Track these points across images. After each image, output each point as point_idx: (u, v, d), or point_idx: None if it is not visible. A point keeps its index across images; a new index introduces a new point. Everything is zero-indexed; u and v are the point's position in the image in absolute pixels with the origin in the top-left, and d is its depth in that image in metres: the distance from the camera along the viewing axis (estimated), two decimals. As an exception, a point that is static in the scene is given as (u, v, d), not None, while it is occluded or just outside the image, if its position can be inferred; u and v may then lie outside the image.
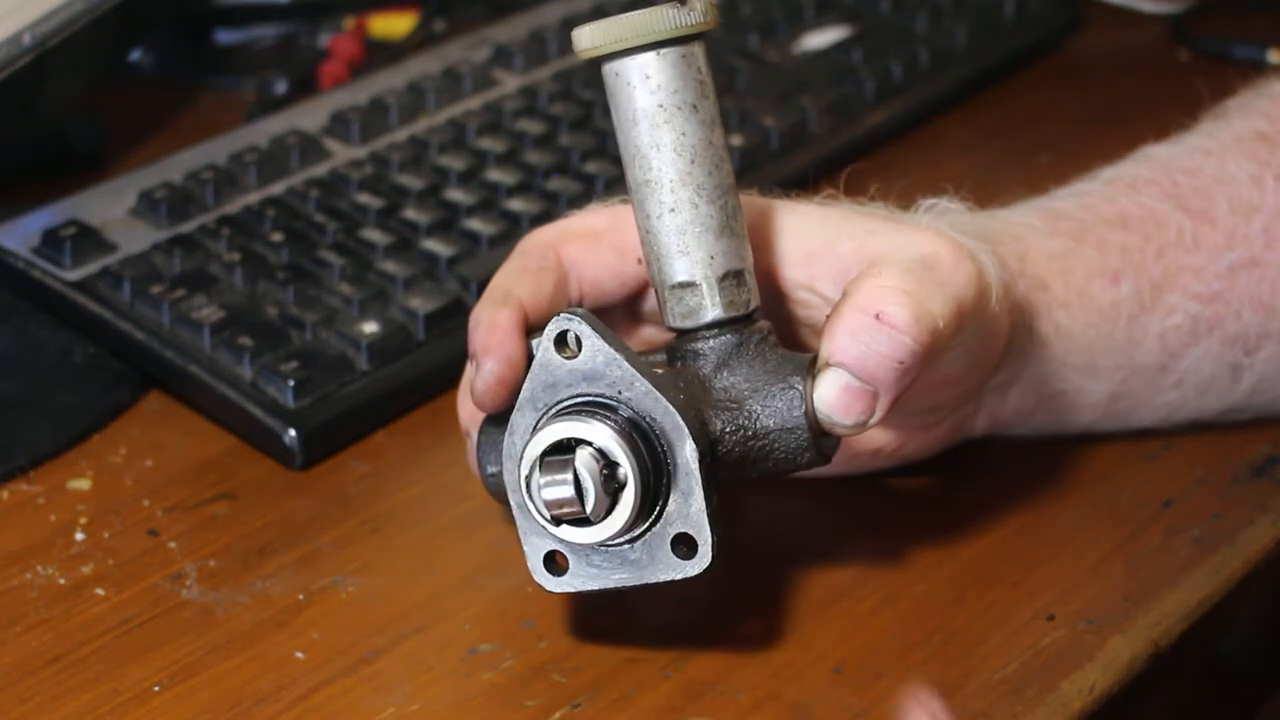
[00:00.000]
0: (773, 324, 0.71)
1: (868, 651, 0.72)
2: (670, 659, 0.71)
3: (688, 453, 0.66)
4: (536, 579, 0.68)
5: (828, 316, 0.69)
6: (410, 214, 0.96)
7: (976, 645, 0.72)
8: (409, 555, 0.78)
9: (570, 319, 0.66)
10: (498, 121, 1.05)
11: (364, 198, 0.97)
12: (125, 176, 0.98)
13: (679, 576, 0.67)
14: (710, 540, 0.66)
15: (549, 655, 0.72)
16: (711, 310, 0.69)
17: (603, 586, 0.68)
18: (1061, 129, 1.12)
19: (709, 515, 0.66)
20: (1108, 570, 0.76)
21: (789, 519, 0.80)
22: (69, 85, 1.01)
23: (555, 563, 0.68)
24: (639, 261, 0.73)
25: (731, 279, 0.69)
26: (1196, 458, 0.82)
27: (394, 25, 1.25)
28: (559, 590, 0.68)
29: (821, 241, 0.73)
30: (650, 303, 0.76)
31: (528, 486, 0.66)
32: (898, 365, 0.67)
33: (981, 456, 0.82)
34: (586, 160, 1.02)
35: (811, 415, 0.68)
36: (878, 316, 0.67)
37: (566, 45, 1.13)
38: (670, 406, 0.65)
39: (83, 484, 0.83)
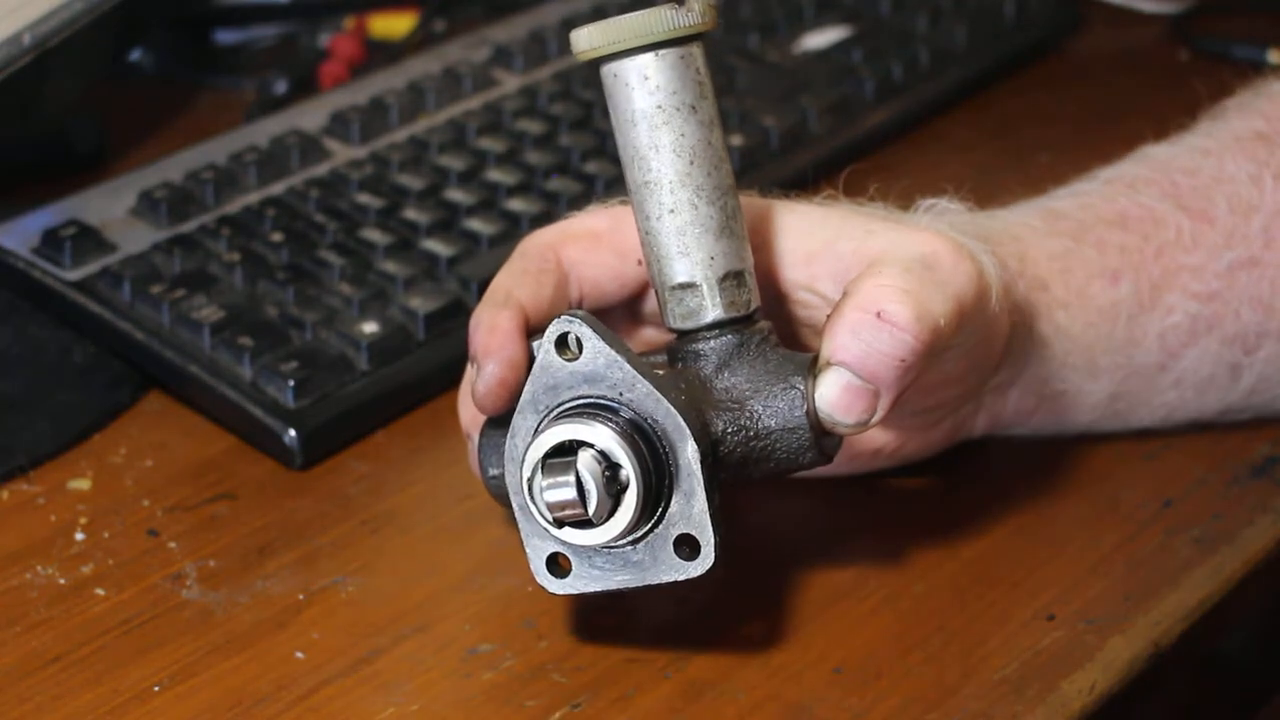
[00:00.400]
0: (773, 325, 0.71)
1: (868, 651, 0.72)
2: (670, 659, 0.71)
3: (689, 453, 0.66)
4: (539, 581, 0.68)
5: (828, 316, 0.69)
6: (410, 214, 0.96)
7: (976, 645, 0.72)
8: (409, 555, 0.78)
9: (571, 321, 0.66)
10: (498, 121, 1.05)
11: (364, 198, 0.97)
12: (125, 176, 0.98)
13: (682, 577, 0.67)
14: (713, 541, 0.66)
15: (549, 655, 0.72)
16: (712, 311, 0.69)
17: (605, 588, 0.68)
18: (1061, 129, 1.12)
19: (711, 516, 0.66)
20: (1108, 570, 0.76)
21: (789, 519, 0.80)
22: (69, 85, 1.01)
23: (558, 565, 0.68)
24: (639, 263, 0.73)
25: (732, 279, 0.69)
26: (1196, 458, 0.82)
27: (394, 25, 1.25)
28: (562, 592, 0.68)
29: (821, 242, 0.73)
30: (650, 304, 0.76)
31: (530, 489, 0.66)
32: (899, 364, 0.67)
33: (981, 456, 0.82)
34: (586, 160, 1.02)
35: (813, 415, 0.68)
36: (879, 315, 0.67)
37: (566, 45, 1.12)
38: (671, 407, 0.65)
39: (83, 484, 0.83)
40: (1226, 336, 0.80)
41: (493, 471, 0.71)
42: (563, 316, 0.66)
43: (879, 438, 0.77)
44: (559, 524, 0.66)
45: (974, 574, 0.76)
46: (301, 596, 0.76)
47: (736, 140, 1.04)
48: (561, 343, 0.66)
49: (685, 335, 0.70)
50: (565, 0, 1.18)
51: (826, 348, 0.68)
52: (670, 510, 0.66)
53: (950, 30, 1.17)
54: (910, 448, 0.78)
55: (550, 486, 0.65)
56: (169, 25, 1.21)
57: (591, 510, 0.65)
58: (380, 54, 1.21)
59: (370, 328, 0.88)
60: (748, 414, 0.68)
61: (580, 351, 0.66)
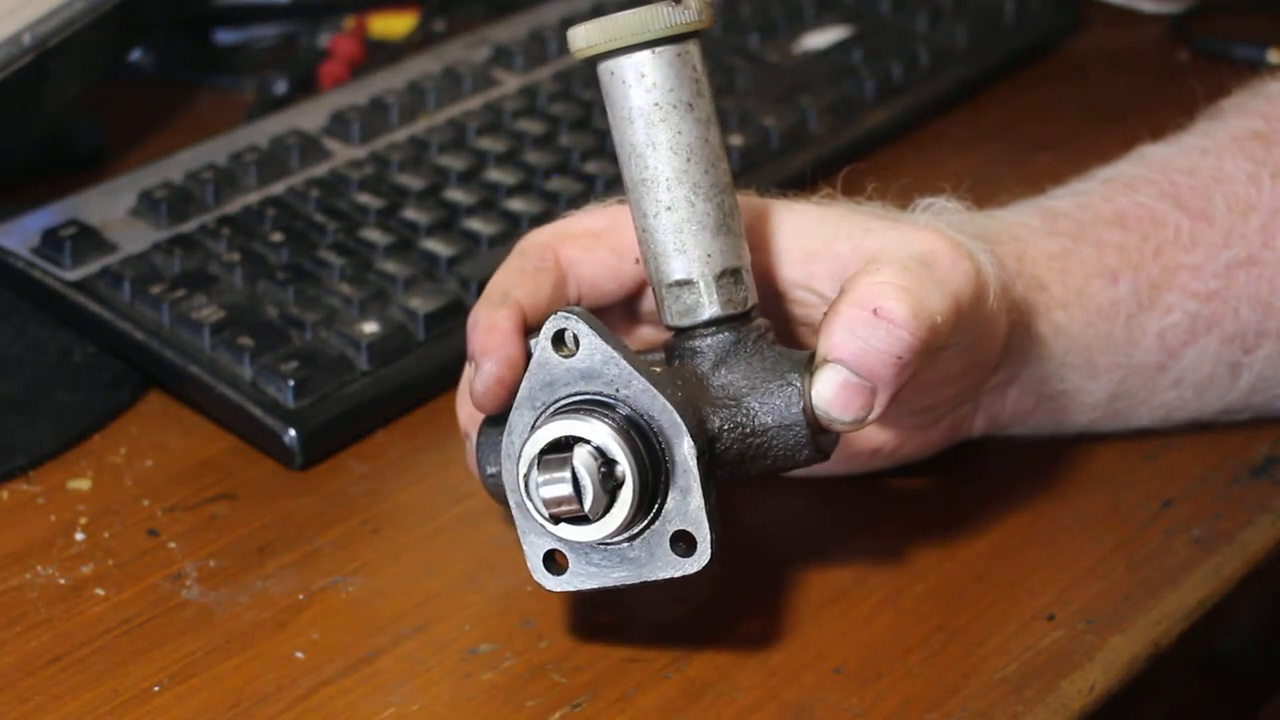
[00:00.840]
0: (770, 323, 0.71)
1: (868, 651, 0.72)
2: (670, 659, 0.71)
3: (686, 450, 0.66)
4: (536, 578, 0.68)
5: (825, 313, 0.68)
6: (410, 214, 0.96)
7: (976, 645, 0.72)
8: (409, 555, 0.78)
9: (568, 317, 0.66)
10: (498, 121, 1.05)
11: (364, 198, 0.97)
12: (125, 176, 0.98)
13: (678, 574, 0.67)
14: (709, 537, 0.66)
15: (549, 655, 0.72)
16: (709, 308, 0.69)
17: (602, 585, 0.68)
18: (1061, 129, 1.12)
19: (708, 512, 0.66)
20: (1108, 570, 0.76)
21: (789, 519, 0.80)
22: (69, 85, 1.01)
23: (555, 561, 0.68)
24: (636, 261, 0.73)
25: (729, 277, 0.69)
26: (1196, 458, 0.82)
27: (394, 25, 1.25)
28: (559, 589, 0.68)
29: (819, 241, 0.73)
30: (648, 303, 0.76)
31: (526, 485, 0.66)
32: (896, 360, 0.67)
33: (981, 456, 0.82)
34: (586, 160, 1.02)
35: (810, 412, 0.68)
36: (875, 312, 0.67)
37: (566, 45, 1.13)
38: (668, 404, 0.65)
39: (83, 484, 0.83)
40: (1226, 336, 0.80)
41: (490, 470, 0.71)
42: (559, 313, 0.66)
43: (877, 437, 0.77)
44: (555, 520, 0.66)
45: (974, 574, 0.76)
46: (301, 596, 0.76)
47: (736, 140, 1.04)
48: (558, 339, 0.66)
49: (682, 332, 0.70)
50: (565, 0, 1.18)
51: (823, 345, 0.68)
52: (667, 507, 0.66)
53: (950, 30, 1.17)
54: (909, 447, 0.78)
55: (546, 483, 0.65)
56: (169, 25, 1.21)
57: (588, 506, 0.65)
58: (380, 54, 1.21)
59: (370, 328, 0.88)
60: (744, 411, 0.68)
61: (577, 348, 0.66)
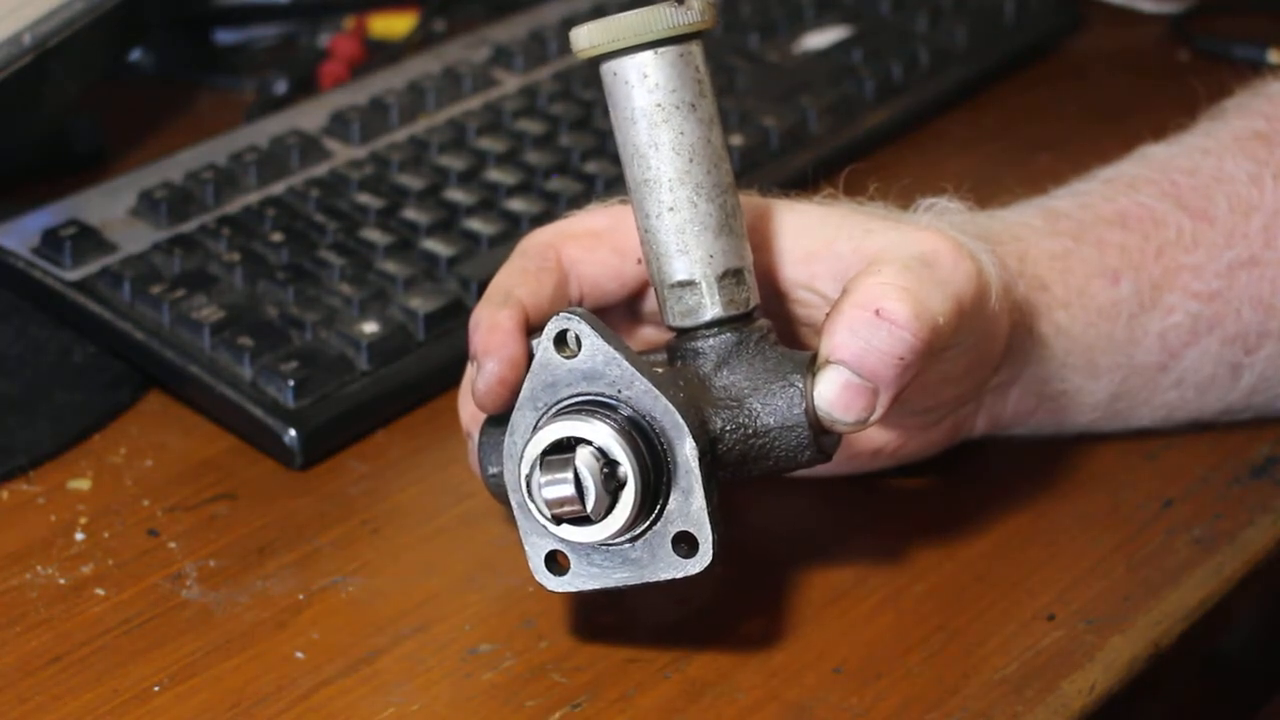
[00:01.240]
0: (772, 323, 0.71)
1: (868, 651, 0.72)
2: (670, 659, 0.71)
3: (688, 451, 0.66)
4: (538, 578, 0.68)
5: (827, 314, 0.68)
6: (410, 214, 0.96)
7: (976, 645, 0.72)
8: (409, 555, 0.78)
9: (569, 318, 0.66)
10: (498, 121, 1.05)
11: (364, 198, 0.97)
12: (125, 176, 0.98)
13: (680, 575, 0.67)
14: (711, 538, 0.66)
15: (549, 655, 0.72)
16: (711, 309, 0.69)
17: (604, 586, 0.68)
18: (1061, 128, 1.12)
19: (709, 513, 0.66)
20: (1108, 570, 0.76)
21: (789, 519, 0.80)
22: (69, 85, 1.01)
23: (556, 562, 0.68)
24: (639, 261, 0.73)
25: (731, 277, 0.69)
26: (1196, 458, 0.82)
27: (394, 25, 1.25)
28: (560, 590, 0.68)
29: (821, 241, 0.73)
30: (650, 303, 0.76)
31: (528, 486, 0.66)
32: (898, 361, 0.67)
33: (981, 456, 0.82)
34: (586, 160, 1.02)
35: (812, 413, 0.68)
36: (877, 312, 0.67)
37: (566, 45, 1.13)
38: (670, 405, 0.65)
39: (83, 484, 0.83)
40: (1227, 336, 0.80)
41: (492, 470, 0.71)
42: (561, 314, 0.66)
43: (879, 438, 0.77)
44: (557, 521, 0.66)
45: (974, 574, 0.76)
46: (301, 596, 0.76)
47: (736, 140, 1.04)
48: (560, 340, 0.66)
49: (684, 333, 0.70)
50: (565, 0, 1.18)
51: (825, 345, 0.68)
52: (668, 508, 0.66)
53: (950, 30, 1.17)
54: (910, 448, 0.78)
55: (548, 483, 0.65)
56: (169, 25, 1.21)
57: (590, 507, 0.65)
58: (380, 54, 1.21)
59: (370, 328, 0.88)
60: (746, 412, 0.68)
61: (579, 349, 0.66)
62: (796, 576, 0.76)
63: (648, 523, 0.66)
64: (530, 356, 0.68)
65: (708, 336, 0.69)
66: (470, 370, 0.71)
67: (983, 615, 0.74)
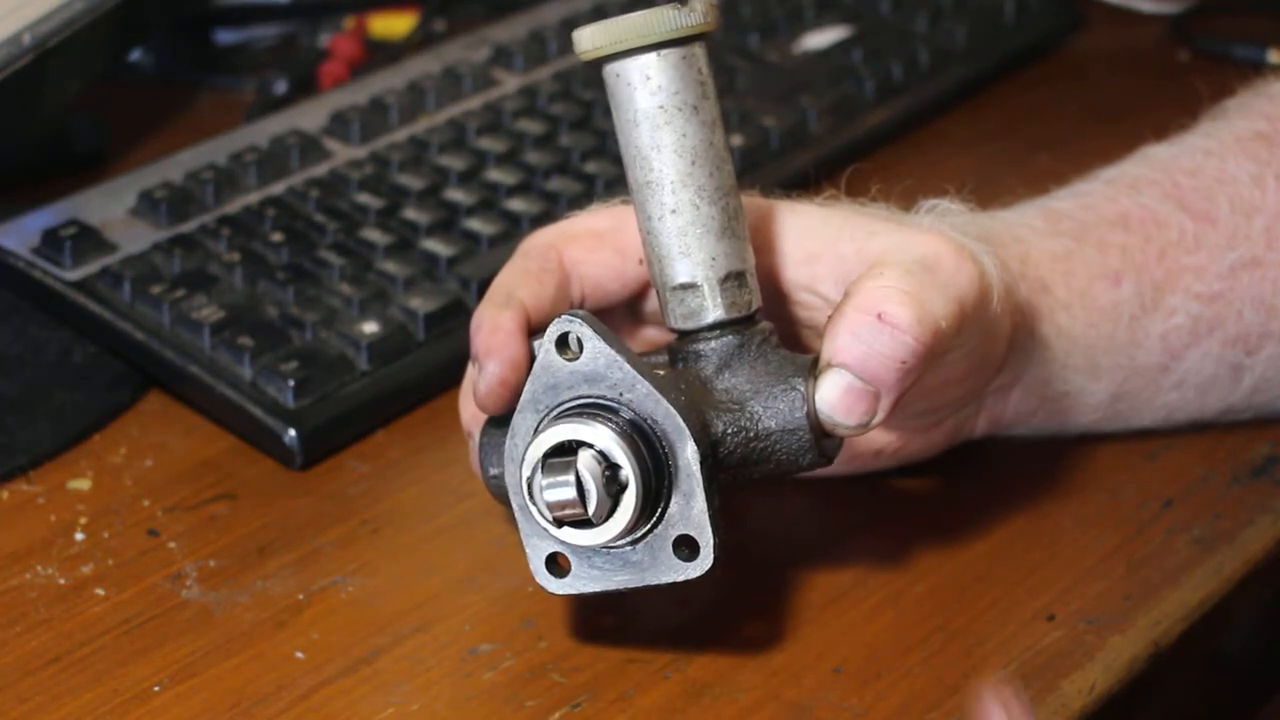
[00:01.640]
0: (774, 325, 0.70)
1: (868, 651, 0.72)
2: (670, 659, 0.71)
3: (689, 454, 0.66)
4: (539, 581, 0.68)
5: (829, 317, 0.68)
6: (410, 214, 0.96)
7: (976, 645, 0.72)
8: (409, 555, 0.78)
9: (572, 321, 0.66)
10: (498, 121, 1.05)
11: (364, 198, 0.97)
12: (125, 176, 0.98)
13: (681, 578, 0.67)
14: (712, 541, 0.66)
15: (549, 655, 0.72)
16: (713, 311, 0.69)
17: (605, 588, 0.68)
18: (1061, 128, 1.12)
19: (710, 517, 0.66)
20: (1108, 570, 0.76)
21: (789, 519, 0.80)
22: (69, 85, 1.01)
23: (557, 564, 0.68)
24: (640, 262, 0.73)
25: (733, 280, 0.69)
26: (1196, 458, 0.82)
27: (394, 25, 1.25)
28: (561, 592, 0.68)
29: (823, 242, 0.73)
30: (652, 303, 0.76)
31: (529, 488, 0.66)
32: (900, 365, 0.67)
33: (981, 457, 0.82)
34: (586, 160, 1.02)
35: (813, 416, 0.68)
36: (880, 317, 0.67)
37: (566, 45, 1.13)
38: (671, 408, 0.65)
39: (83, 484, 0.83)
40: (1229, 337, 0.80)
41: (493, 471, 0.71)
42: (563, 316, 0.66)
43: (880, 439, 0.77)
44: (558, 524, 0.66)
45: (974, 574, 0.76)
46: (301, 596, 0.76)
47: (736, 140, 1.04)
48: (562, 342, 0.66)
49: (686, 335, 0.69)
50: (565, 0, 1.18)
51: (827, 349, 0.68)
52: (670, 511, 0.66)
53: (950, 30, 1.17)
54: (911, 448, 0.78)
55: (550, 486, 0.65)
56: (169, 25, 1.21)
57: (591, 510, 0.65)
58: (380, 54, 1.21)
59: (370, 328, 0.88)
60: (748, 415, 0.68)
61: (581, 351, 0.66)
62: (796, 577, 0.76)
63: (649, 526, 0.66)
64: (532, 358, 0.68)
65: (709, 339, 0.69)
66: (471, 370, 0.71)
67: (983, 615, 0.74)
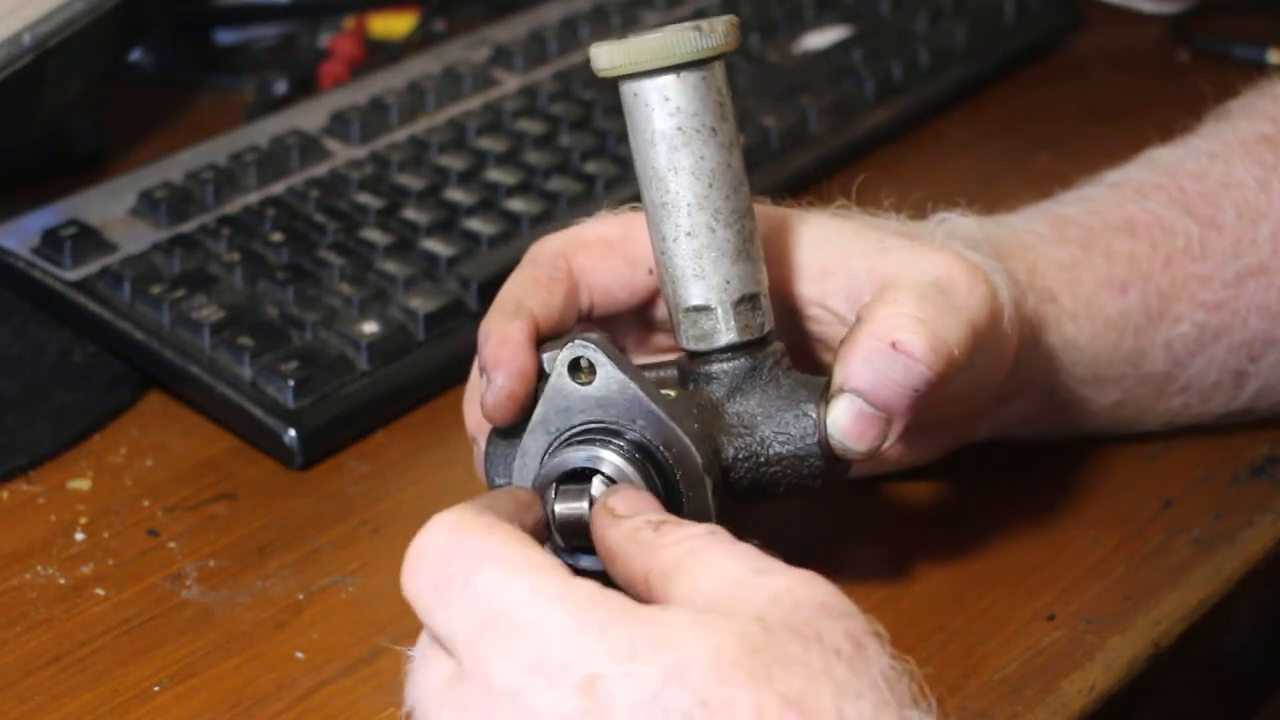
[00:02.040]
0: (785, 337, 0.70)
1: (868, 652, 0.72)
2: (671, 659, 0.71)
3: (701, 483, 0.65)
4: None
5: (842, 341, 0.68)
6: (410, 214, 0.96)
7: (976, 645, 0.72)
8: (409, 555, 0.78)
9: (585, 345, 0.66)
10: (498, 121, 1.05)
11: (364, 198, 0.97)
12: (125, 176, 0.98)
13: None
14: None
15: (549, 655, 0.71)
16: (726, 334, 0.68)
17: None
18: (1062, 129, 1.12)
19: None
20: (1108, 570, 0.76)
21: (789, 520, 0.80)
22: (69, 85, 1.01)
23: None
24: (650, 272, 0.72)
25: (746, 303, 0.68)
26: (1196, 458, 0.82)
27: (394, 25, 1.25)
28: None
29: (836, 257, 0.72)
30: (661, 310, 0.75)
31: (543, 513, 0.66)
32: (912, 393, 0.67)
33: (982, 457, 0.82)
34: (586, 160, 1.02)
35: (824, 441, 0.67)
36: (894, 345, 0.67)
37: (566, 45, 1.13)
38: (684, 436, 0.65)
39: (83, 484, 0.83)
40: (1233, 344, 0.79)
41: (499, 481, 0.70)
42: (577, 340, 0.66)
43: (882, 447, 0.77)
44: (570, 550, 0.65)
45: (974, 574, 0.76)
46: (301, 596, 0.75)
47: (736, 140, 1.04)
48: (574, 366, 0.66)
49: (698, 356, 0.69)
50: (565, 0, 1.18)
51: (839, 374, 0.67)
52: None
53: (950, 30, 1.17)
54: (914, 455, 0.78)
55: (564, 512, 0.65)
56: (169, 25, 1.21)
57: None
58: (380, 54, 1.21)
59: (370, 328, 0.88)
60: (759, 440, 0.68)
61: (593, 376, 0.66)
62: (797, 577, 0.76)
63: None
64: (540, 369, 0.68)
65: (721, 361, 0.68)
66: (476, 374, 0.71)
67: (983, 615, 0.74)
